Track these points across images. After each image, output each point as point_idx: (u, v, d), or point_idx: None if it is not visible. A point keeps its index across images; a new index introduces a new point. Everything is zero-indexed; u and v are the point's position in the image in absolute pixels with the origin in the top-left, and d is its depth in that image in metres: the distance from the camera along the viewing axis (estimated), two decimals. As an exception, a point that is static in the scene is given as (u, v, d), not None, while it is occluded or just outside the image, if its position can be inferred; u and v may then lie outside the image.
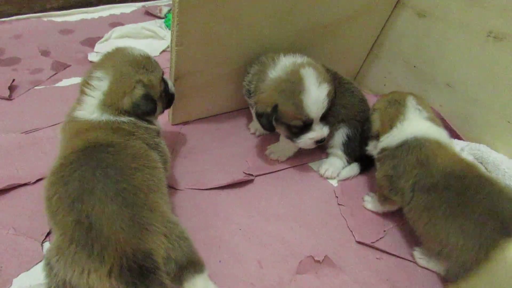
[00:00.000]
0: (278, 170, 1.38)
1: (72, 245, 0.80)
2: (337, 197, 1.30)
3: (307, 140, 1.23)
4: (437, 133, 1.14)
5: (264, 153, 1.43)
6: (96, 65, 1.07)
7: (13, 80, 1.65)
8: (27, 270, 0.98)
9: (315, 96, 1.16)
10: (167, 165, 1.10)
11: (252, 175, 1.33)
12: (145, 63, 1.08)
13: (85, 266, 0.78)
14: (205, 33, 1.25)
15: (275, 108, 1.18)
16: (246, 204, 1.24)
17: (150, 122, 1.08)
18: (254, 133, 1.54)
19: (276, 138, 1.43)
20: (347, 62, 1.77)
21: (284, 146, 1.40)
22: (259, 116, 1.22)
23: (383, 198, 1.19)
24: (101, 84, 1.02)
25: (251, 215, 1.21)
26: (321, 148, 1.47)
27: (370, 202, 1.27)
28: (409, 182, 1.07)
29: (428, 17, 1.54)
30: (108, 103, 1.00)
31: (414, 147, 1.10)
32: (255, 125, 1.52)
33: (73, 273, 0.79)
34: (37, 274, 0.96)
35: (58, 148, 1.00)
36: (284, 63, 1.22)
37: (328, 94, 1.19)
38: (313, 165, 1.43)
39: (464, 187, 0.99)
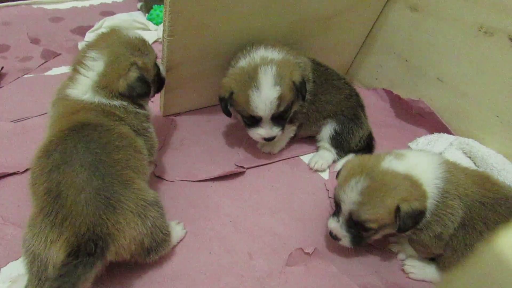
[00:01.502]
0: (270, 163, 1.38)
1: (40, 214, 0.80)
2: (327, 190, 1.31)
3: (255, 134, 1.26)
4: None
5: (256, 145, 1.43)
6: (90, 45, 1.06)
7: (2, 67, 1.63)
8: (15, 260, 0.97)
9: (263, 95, 1.16)
10: (153, 150, 1.10)
11: (243, 167, 1.33)
12: (140, 45, 1.07)
13: (48, 237, 0.79)
14: (197, 24, 1.24)
15: (231, 94, 1.21)
16: (237, 196, 1.24)
17: (141, 107, 1.07)
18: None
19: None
20: (340, 55, 1.77)
21: (275, 139, 1.40)
22: (220, 100, 1.25)
23: (429, 254, 1.07)
24: (95, 65, 1.01)
25: (242, 207, 1.21)
26: (312, 141, 1.47)
27: (419, 268, 1.08)
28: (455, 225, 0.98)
29: (420, 11, 1.54)
30: (103, 85, 0.99)
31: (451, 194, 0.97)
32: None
33: (39, 244, 0.79)
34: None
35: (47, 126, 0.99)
36: (254, 56, 1.24)
37: (279, 98, 1.17)
38: (305, 158, 1.43)
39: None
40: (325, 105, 1.37)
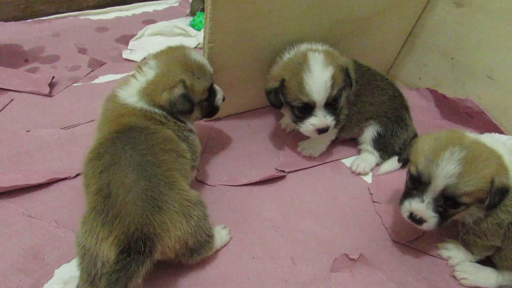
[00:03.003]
0: (311, 167, 1.37)
1: (92, 213, 0.85)
2: (371, 194, 1.27)
3: (308, 126, 1.23)
4: None
5: (296, 149, 1.42)
6: (155, 54, 1.13)
7: (53, 77, 1.71)
8: (68, 262, 1.02)
9: (316, 76, 1.16)
10: (196, 155, 1.13)
11: (284, 171, 1.33)
12: (195, 68, 1.10)
13: (99, 234, 0.83)
14: (237, 30, 1.25)
15: (282, 82, 1.21)
16: (279, 201, 1.24)
17: (181, 121, 1.09)
18: (285, 129, 1.53)
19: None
20: (380, 55, 1.72)
21: (316, 142, 1.39)
22: (268, 93, 1.25)
23: (485, 248, 1.02)
24: (149, 72, 1.06)
25: (283, 211, 1.20)
26: (354, 144, 1.44)
27: (471, 273, 1.03)
28: None
29: (466, 6, 1.47)
30: (148, 92, 1.03)
31: None
32: (286, 121, 1.52)
33: (90, 240, 0.83)
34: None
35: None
36: (298, 49, 1.26)
37: (332, 78, 1.17)
38: (346, 161, 1.41)
39: None
40: (368, 107, 1.34)
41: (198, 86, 1.09)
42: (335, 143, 1.43)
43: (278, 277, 1.02)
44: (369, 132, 1.36)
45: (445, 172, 0.89)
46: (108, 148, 0.92)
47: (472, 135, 0.97)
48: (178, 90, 1.04)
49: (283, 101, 1.24)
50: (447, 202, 0.92)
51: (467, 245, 1.05)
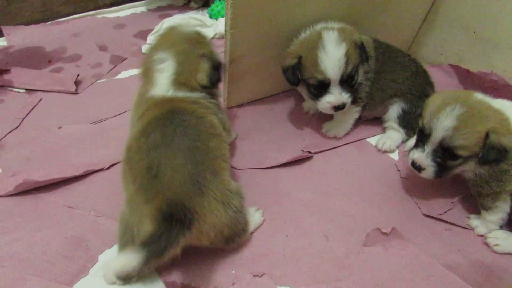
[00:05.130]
0: (337, 147, 1.38)
1: (138, 191, 0.87)
2: (399, 170, 1.28)
3: (324, 103, 1.25)
4: None
5: (320, 130, 1.43)
6: (155, 47, 1.12)
7: (78, 75, 1.76)
8: (110, 247, 1.06)
9: (331, 53, 1.18)
10: (229, 135, 1.17)
11: (310, 152, 1.34)
12: (198, 37, 1.13)
13: (142, 211, 0.85)
14: (258, 14, 1.26)
15: (299, 60, 1.24)
16: (307, 181, 1.25)
17: (214, 96, 1.12)
18: (308, 112, 1.54)
19: (331, 116, 1.42)
20: (400, 32, 1.71)
21: (340, 123, 1.40)
22: (285, 70, 1.28)
23: (493, 197, 1.05)
24: (166, 65, 1.06)
25: (312, 191, 1.22)
26: (378, 123, 1.45)
27: (504, 239, 1.06)
28: None
29: (487, -22, 1.45)
30: (182, 81, 1.05)
31: None
32: (308, 104, 1.53)
33: (134, 217, 0.87)
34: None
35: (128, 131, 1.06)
36: (315, 28, 1.28)
37: (347, 55, 1.19)
38: (371, 140, 1.41)
39: None
40: (390, 84, 1.34)
41: (212, 48, 1.13)
42: (359, 122, 1.43)
43: (311, 253, 1.04)
44: (394, 110, 1.36)
45: (443, 125, 0.99)
46: (158, 127, 0.93)
47: (481, 96, 1.03)
48: (206, 64, 1.06)
49: (300, 78, 1.27)
50: (445, 154, 1.01)
51: (478, 201, 1.10)
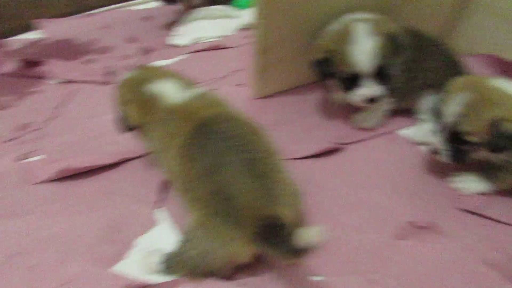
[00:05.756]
0: (368, 139, 1.37)
1: (217, 217, 0.87)
2: (431, 162, 1.26)
3: (356, 96, 1.24)
4: None
5: (350, 122, 1.42)
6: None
7: (108, 66, 1.80)
8: (144, 233, 1.09)
9: (362, 46, 1.17)
10: None
11: (340, 143, 1.34)
12: None
13: (230, 236, 0.86)
14: (289, 3, 1.26)
15: (327, 53, 1.22)
16: (338, 172, 1.25)
17: None
18: (337, 103, 1.53)
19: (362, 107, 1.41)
20: (436, 21, 1.65)
21: (371, 114, 1.38)
22: (314, 65, 1.27)
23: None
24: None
25: (343, 182, 1.22)
26: (411, 114, 1.42)
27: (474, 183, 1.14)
28: None
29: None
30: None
31: None
32: (338, 94, 1.51)
33: (218, 243, 0.87)
34: (154, 237, 1.08)
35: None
36: (344, 19, 1.25)
37: (379, 47, 1.17)
38: (404, 131, 1.39)
39: None
40: (424, 73, 1.32)
41: None
42: (391, 113, 1.42)
43: (345, 244, 1.04)
44: (427, 101, 1.34)
45: (450, 111, 1.03)
46: (204, 147, 0.92)
47: (501, 82, 1.03)
48: None
49: (329, 72, 1.25)
50: (456, 139, 1.04)
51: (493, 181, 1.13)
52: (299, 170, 1.25)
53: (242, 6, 2.21)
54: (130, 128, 1.10)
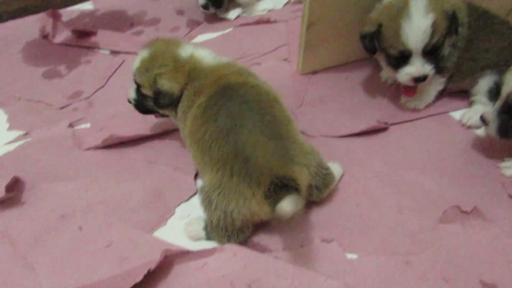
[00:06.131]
0: (415, 119, 1.31)
1: (233, 177, 0.89)
2: (484, 148, 1.19)
3: (404, 75, 1.18)
4: None
5: (398, 101, 1.36)
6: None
7: (157, 38, 1.82)
8: (186, 201, 1.13)
9: (415, 23, 1.11)
10: None
11: (386, 123, 1.29)
12: None
13: (246, 195, 0.88)
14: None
15: (379, 28, 1.17)
16: (382, 152, 1.21)
17: None
18: (386, 82, 1.47)
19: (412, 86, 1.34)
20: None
21: (422, 94, 1.32)
22: (363, 37, 1.22)
23: None
24: None
25: (387, 163, 1.18)
26: (463, 96, 1.34)
27: None
28: None
29: None
30: None
31: None
32: (387, 73, 1.45)
33: (236, 203, 0.89)
34: (194, 204, 1.11)
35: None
36: None
37: (433, 25, 1.11)
38: (455, 114, 1.32)
39: None
40: (483, 54, 1.23)
41: None
42: (443, 94, 1.34)
43: (383, 224, 1.02)
44: (484, 83, 1.24)
45: (509, 81, 1.02)
46: (221, 109, 0.94)
47: None
48: None
49: (378, 47, 1.21)
50: (509, 111, 1.02)
51: None
52: (340, 147, 1.24)
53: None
54: (166, 104, 1.07)
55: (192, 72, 1.05)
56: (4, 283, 0.99)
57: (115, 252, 1.02)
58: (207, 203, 0.94)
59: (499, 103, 1.04)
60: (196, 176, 1.19)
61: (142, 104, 1.16)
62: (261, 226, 1.03)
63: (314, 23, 1.35)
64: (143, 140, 1.32)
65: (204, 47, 1.14)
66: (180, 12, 2.08)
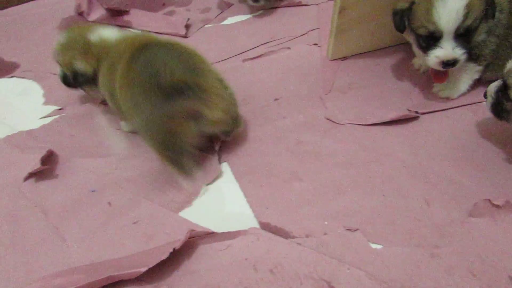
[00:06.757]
0: (448, 109, 1.26)
1: (154, 102, 1.04)
2: (520, 140, 1.14)
3: (433, 57, 1.13)
4: None
5: (431, 90, 1.32)
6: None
7: (188, 19, 1.83)
8: (210, 183, 1.15)
9: (449, 2, 1.05)
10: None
11: (417, 112, 1.25)
12: None
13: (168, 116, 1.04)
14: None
15: (411, 5, 1.13)
16: (411, 142, 1.18)
17: None
18: (418, 70, 1.42)
19: (445, 74, 1.29)
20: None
21: (455, 83, 1.27)
22: (394, 14, 1.18)
23: None
24: None
25: (416, 153, 1.15)
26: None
27: None
28: None
29: None
30: None
31: None
32: (420, 60, 1.41)
33: (164, 127, 1.05)
34: (219, 186, 1.14)
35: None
36: None
37: (468, 5, 1.05)
38: (491, 104, 1.27)
39: None
40: None
41: None
42: (479, 84, 1.29)
43: (409, 215, 1.00)
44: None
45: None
46: (139, 59, 1.08)
47: None
48: None
49: (408, 26, 1.17)
50: (505, 90, 1.02)
51: None
52: (368, 136, 1.22)
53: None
54: (82, 82, 1.27)
55: (102, 52, 1.21)
56: (37, 251, 1.04)
57: (142, 229, 1.05)
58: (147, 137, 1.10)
59: (500, 80, 1.04)
60: (220, 159, 1.20)
61: (66, 80, 1.31)
62: (284, 209, 1.04)
63: (346, 7, 1.32)
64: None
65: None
66: (211, -7, 2.07)
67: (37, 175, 1.21)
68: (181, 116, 1.03)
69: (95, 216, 1.10)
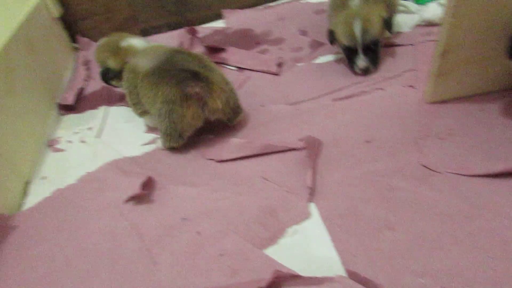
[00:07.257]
0: None
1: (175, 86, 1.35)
2: None
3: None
4: None
5: (547, 141, 1.19)
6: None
7: (280, 57, 1.89)
8: (297, 224, 1.13)
9: None
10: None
11: (531, 166, 1.13)
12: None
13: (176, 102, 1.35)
14: (483, 3, 1.11)
15: None
16: (522, 199, 1.07)
17: None
18: (531, 117, 1.30)
19: None
20: None
21: None
22: None
23: None
24: None
25: (528, 211, 1.03)
26: None
27: None
28: None
29: None
30: None
31: None
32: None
33: (174, 113, 1.36)
34: (306, 227, 1.11)
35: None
36: None
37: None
38: None
39: None
40: None
41: None
42: None
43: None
44: None
45: None
46: (162, 55, 1.42)
47: None
48: None
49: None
50: None
51: None
52: (471, 187, 1.13)
53: (423, 1, 2.05)
54: (112, 77, 1.60)
55: (129, 54, 1.55)
56: (130, 270, 1.10)
57: (227, 262, 1.06)
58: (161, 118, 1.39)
59: None
60: (309, 199, 1.19)
61: (102, 75, 1.61)
62: (375, 262, 0.99)
63: (450, 50, 1.26)
64: (259, 156, 1.37)
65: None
66: (304, 33, 2.13)
67: (135, 198, 1.31)
68: (192, 97, 1.30)
69: (185, 244, 1.14)
